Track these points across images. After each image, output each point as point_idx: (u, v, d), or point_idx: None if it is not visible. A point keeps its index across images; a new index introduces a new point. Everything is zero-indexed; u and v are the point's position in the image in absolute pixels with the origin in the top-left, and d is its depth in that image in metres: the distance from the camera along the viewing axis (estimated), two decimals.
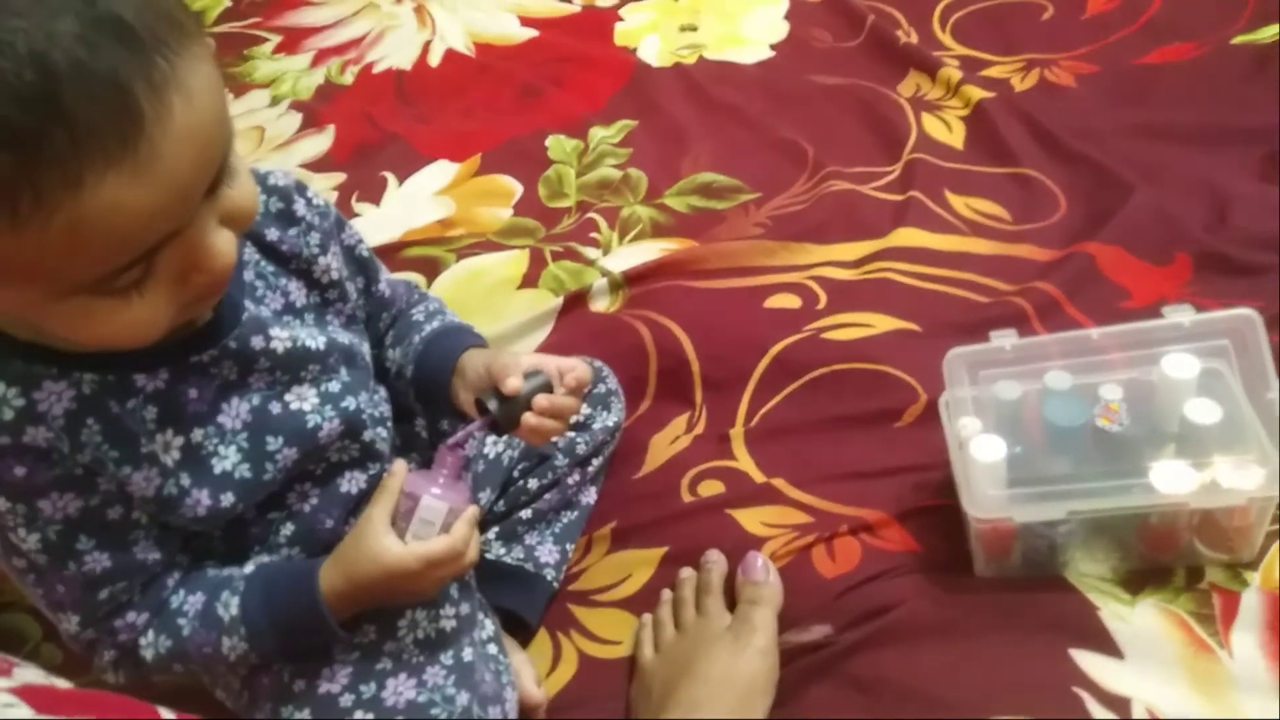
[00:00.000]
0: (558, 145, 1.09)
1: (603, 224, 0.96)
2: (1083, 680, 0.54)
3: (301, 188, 0.56)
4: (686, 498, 0.72)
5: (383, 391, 0.60)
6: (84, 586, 0.49)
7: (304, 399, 0.53)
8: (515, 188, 1.04)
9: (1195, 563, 0.59)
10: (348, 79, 1.30)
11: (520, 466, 0.70)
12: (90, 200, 0.35)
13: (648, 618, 0.66)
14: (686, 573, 0.67)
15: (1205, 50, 1.02)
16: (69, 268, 0.37)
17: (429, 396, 0.60)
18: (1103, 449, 0.59)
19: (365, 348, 0.58)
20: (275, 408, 0.52)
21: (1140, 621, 0.56)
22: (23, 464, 0.44)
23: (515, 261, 0.93)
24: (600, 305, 0.87)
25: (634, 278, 0.87)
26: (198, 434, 0.49)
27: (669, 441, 0.76)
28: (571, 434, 0.70)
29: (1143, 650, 0.55)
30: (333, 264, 0.56)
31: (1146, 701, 0.53)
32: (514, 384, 0.54)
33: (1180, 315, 0.60)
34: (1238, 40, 1.01)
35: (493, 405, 0.54)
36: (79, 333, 0.41)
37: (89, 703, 0.36)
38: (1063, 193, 0.90)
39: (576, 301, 0.87)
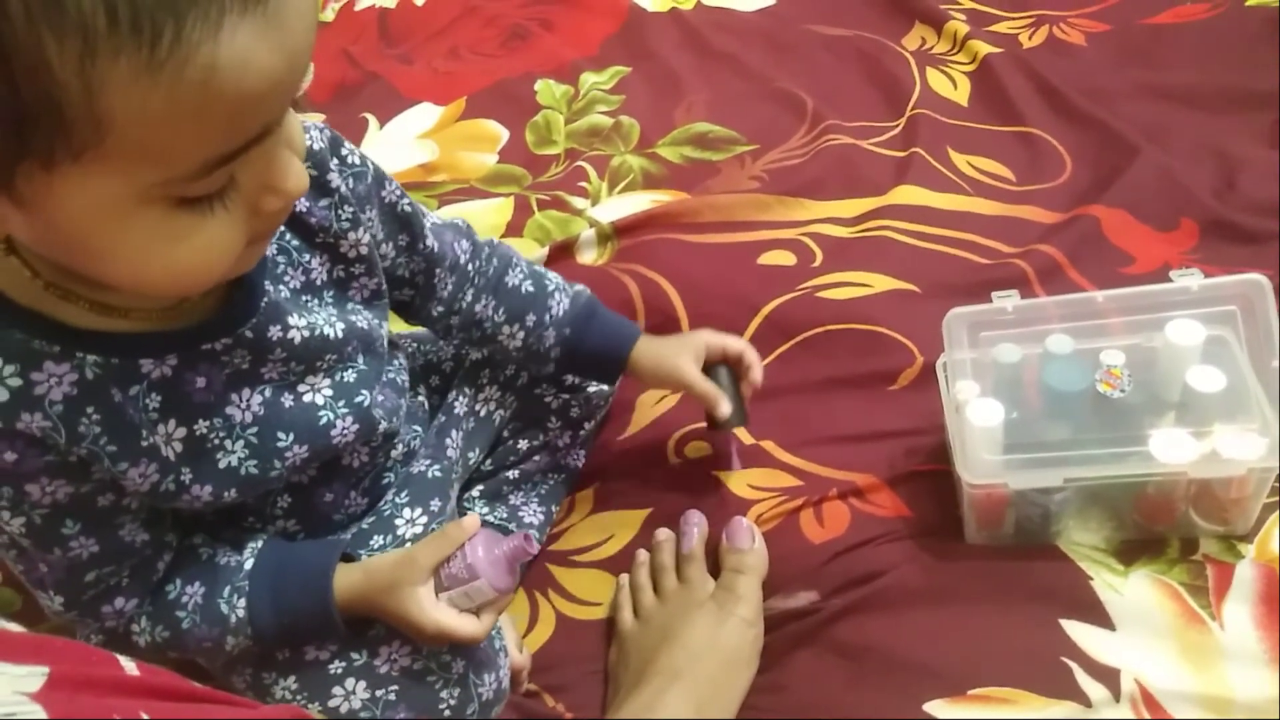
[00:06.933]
0: (547, 90, 1.05)
1: (592, 173, 0.93)
2: (1072, 650, 0.53)
3: (337, 146, 0.51)
4: (672, 459, 0.70)
5: (399, 361, 0.57)
6: (68, 569, 0.46)
7: (317, 390, 0.50)
8: (501, 133, 1.00)
9: (1190, 534, 0.57)
10: (328, 15, 1.24)
11: (511, 426, 0.68)
12: (226, 49, 0.31)
13: (625, 579, 0.64)
14: (664, 534, 0.65)
15: (1218, 11, 0.99)
16: (186, 137, 0.33)
17: (580, 370, 0.66)
18: (1102, 416, 0.57)
19: (384, 329, 0.55)
20: (287, 400, 0.49)
21: (1133, 592, 0.55)
22: (13, 449, 0.41)
23: (500, 209, 0.90)
24: (588, 257, 0.84)
25: (623, 229, 0.84)
26: (202, 426, 0.46)
27: (655, 401, 0.74)
28: (566, 395, 0.68)
29: (1134, 621, 0.54)
30: (363, 239, 0.52)
31: (1136, 672, 0.52)
32: (725, 409, 0.63)
33: (1188, 280, 0.59)
34: (1252, 2, 0.98)
35: (731, 422, 0.64)
36: (150, 256, 0.36)
37: (42, 649, 0.33)
38: (1069, 154, 0.87)
39: (563, 252, 0.84)
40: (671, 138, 0.96)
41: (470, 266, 0.62)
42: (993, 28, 1.04)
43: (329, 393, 0.50)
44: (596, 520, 0.69)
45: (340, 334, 0.50)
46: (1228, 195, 0.79)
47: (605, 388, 0.70)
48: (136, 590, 0.48)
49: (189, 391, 0.45)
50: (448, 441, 0.62)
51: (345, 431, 0.51)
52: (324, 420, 0.50)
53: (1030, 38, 1.02)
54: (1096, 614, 0.54)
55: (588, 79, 1.05)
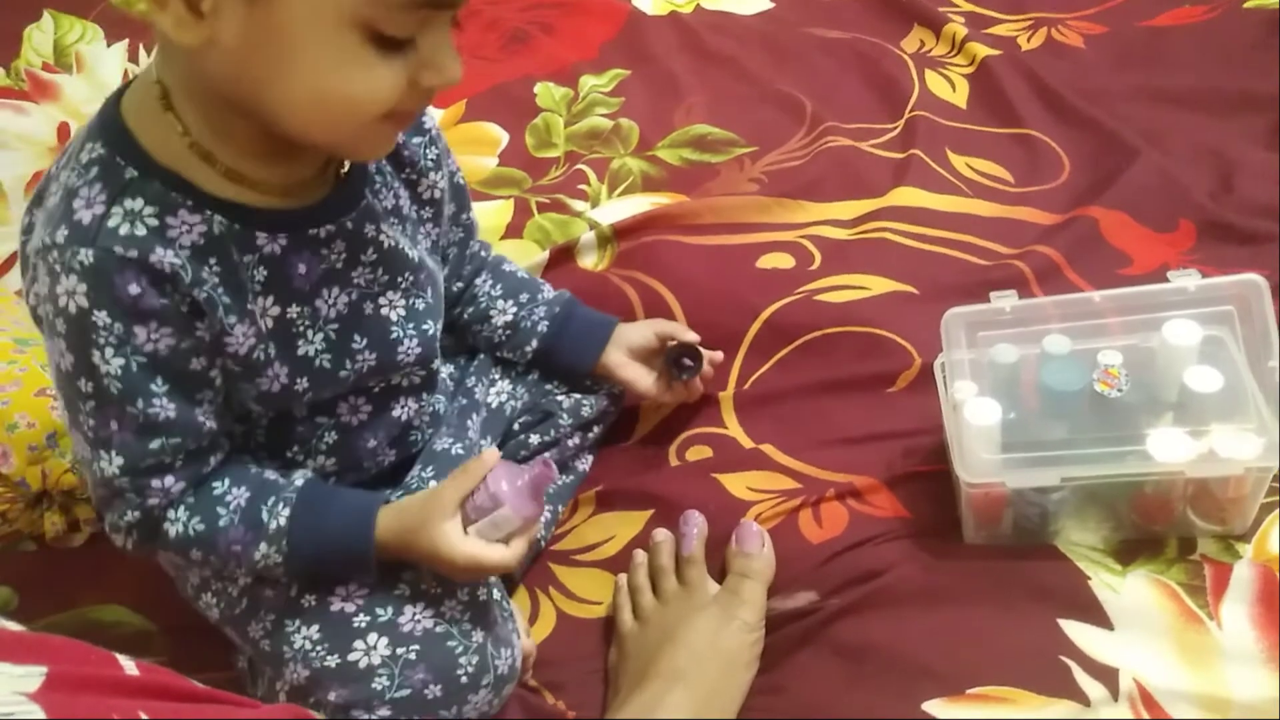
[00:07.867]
0: (546, 93, 1.05)
1: (592, 175, 0.93)
2: (1071, 650, 0.53)
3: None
4: (674, 462, 0.70)
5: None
6: (138, 431, 0.47)
7: (394, 306, 0.54)
8: (501, 136, 1.00)
9: (1187, 533, 0.58)
10: None
11: (522, 420, 0.69)
12: None
13: (623, 580, 0.64)
14: (662, 535, 0.65)
15: (1216, 14, 0.99)
16: None
17: (567, 342, 0.68)
18: (1099, 415, 0.58)
19: (441, 278, 0.59)
20: (368, 308, 0.53)
21: (1130, 592, 0.55)
22: (139, 283, 0.44)
23: (499, 212, 0.90)
24: (588, 260, 0.84)
25: (623, 231, 0.85)
26: (293, 310, 0.50)
27: (658, 406, 0.74)
28: (578, 395, 0.69)
29: (1132, 620, 0.54)
30: (439, 182, 0.57)
31: (1134, 672, 0.52)
32: (695, 336, 0.69)
33: (1185, 280, 0.59)
34: (1250, 5, 0.99)
35: (688, 361, 0.68)
36: (330, 76, 0.41)
37: (41, 648, 0.34)
38: (1066, 155, 0.87)
39: (563, 255, 0.84)
40: (671, 140, 0.96)
41: (483, 252, 0.69)
42: (991, 30, 1.04)
43: (402, 313, 0.55)
44: (599, 521, 0.69)
45: (416, 259, 0.55)
46: (1225, 197, 0.80)
47: (616, 390, 0.71)
48: (185, 475, 0.49)
49: (290, 275, 0.49)
50: (469, 423, 0.64)
51: (409, 351, 0.55)
52: (394, 336, 0.54)
53: (1029, 40, 1.02)
54: (1094, 613, 0.54)
55: (587, 82, 1.05)
